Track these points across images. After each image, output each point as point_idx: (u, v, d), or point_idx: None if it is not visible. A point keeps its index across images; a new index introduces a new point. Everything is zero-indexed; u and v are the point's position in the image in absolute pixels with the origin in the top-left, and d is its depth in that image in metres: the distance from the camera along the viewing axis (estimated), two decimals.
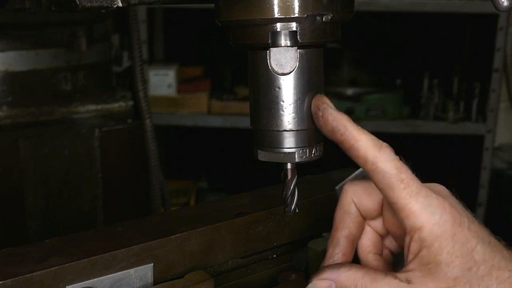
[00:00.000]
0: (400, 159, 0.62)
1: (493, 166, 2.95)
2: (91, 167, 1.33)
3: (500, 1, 0.58)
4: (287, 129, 0.65)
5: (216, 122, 2.96)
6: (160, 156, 1.49)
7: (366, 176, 0.83)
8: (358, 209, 0.67)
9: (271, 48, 0.64)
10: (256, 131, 0.68)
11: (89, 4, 0.61)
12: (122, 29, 2.66)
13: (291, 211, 0.69)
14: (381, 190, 0.62)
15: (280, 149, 0.66)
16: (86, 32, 1.34)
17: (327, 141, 0.69)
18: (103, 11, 1.39)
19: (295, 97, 0.65)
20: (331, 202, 0.72)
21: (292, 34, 0.63)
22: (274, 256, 0.86)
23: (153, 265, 0.74)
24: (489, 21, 2.75)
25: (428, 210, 0.59)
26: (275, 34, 0.63)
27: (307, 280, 0.69)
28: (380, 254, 0.69)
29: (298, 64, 0.64)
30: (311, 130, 0.66)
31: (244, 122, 2.80)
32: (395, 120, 2.92)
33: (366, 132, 0.63)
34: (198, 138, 3.39)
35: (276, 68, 0.64)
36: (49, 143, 1.28)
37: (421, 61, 3.15)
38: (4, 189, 1.24)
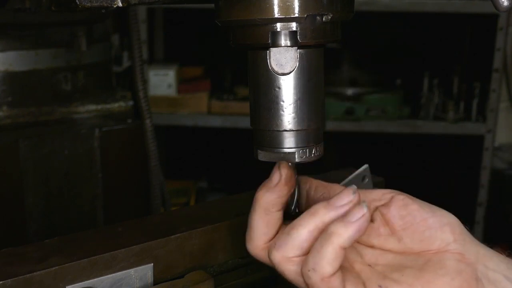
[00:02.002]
0: None
1: (493, 166, 2.95)
2: (91, 167, 1.33)
3: (500, 1, 0.58)
4: (287, 129, 0.65)
5: (216, 122, 2.96)
6: (160, 156, 1.49)
7: (366, 176, 0.83)
8: None
9: (271, 48, 0.64)
10: (256, 131, 0.68)
11: (89, 4, 0.61)
12: (122, 29, 2.66)
13: (291, 211, 0.69)
14: None
15: (280, 149, 0.66)
16: (86, 32, 1.34)
17: (327, 141, 0.69)
18: (103, 11, 1.39)
19: (295, 97, 0.65)
20: None
21: (292, 34, 0.63)
22: None
23: (153, 265, 0.74)
24: (489, 21, 2.74)
25: None
26: (275, 34, 0.63)
27: None
28: None
29: (298, 64, 0.64)
30: (311, 130, 0.66)
31: (244, 122, 2.79)
32: (395, 120, 2.92)
33: None
34: (198, 138, 3.39)
35: (276, 68, 0.64)
36: (49, 143, 1.28)
37: (421, 61, 3.15)
38: (4, 189, 1.24)
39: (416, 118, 2.93)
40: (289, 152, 0.66)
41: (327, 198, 0.62)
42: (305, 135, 0.66)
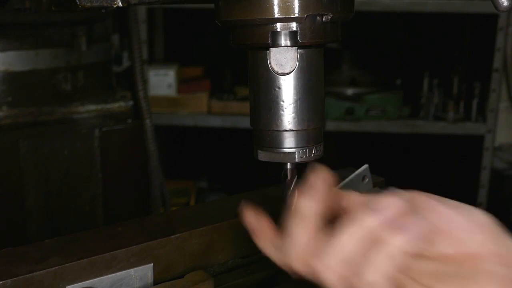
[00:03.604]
0: None
1: (493, 166, 2.95)
2: (91, 167, 1.33)
3: (500, 1, 0.58)
4: (287, 129, 0.65)
5: (216, 122, 2.96)
6: (160, 156, 1.49)
7: (366, 176, 0.83)
8: None
9: (271, 48, 0.64)
10: (256, 131, 0.68)
11: (89, 4, 0.61)
12: (122, 29, 2.66)
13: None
14: None
15: (280, 149, 0.66)
16: (86, 32, 1.34)
17: (327, 141, 0.69)
18: (103, 11, 1.39)
19: (295, 97, 0.65)
20: None
21: (292, 34, 0.63)
22: None
23: (153, 265, 0.74)
24: (489, 21, 2.74)
25: None
26: (275, 34, 0.63)
27: (308, 282, 0.68)
28: None
29: (298, 64, 0.64)
30: (311, 130, 0.66)
31: (244, 122, 2.80)
32: (395, 120, 2.92)
33: None
34: (198, 138, 3.39)
35: (276, 68, 0.64)
36: (49, 143, 1.28)
37: (421, 61, 3.15)
38: (4, 189, 1.24)
39: (416, 118, 2.93)
40: (289, 152, 0.66)
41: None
42: (305, 135, 0.66)
